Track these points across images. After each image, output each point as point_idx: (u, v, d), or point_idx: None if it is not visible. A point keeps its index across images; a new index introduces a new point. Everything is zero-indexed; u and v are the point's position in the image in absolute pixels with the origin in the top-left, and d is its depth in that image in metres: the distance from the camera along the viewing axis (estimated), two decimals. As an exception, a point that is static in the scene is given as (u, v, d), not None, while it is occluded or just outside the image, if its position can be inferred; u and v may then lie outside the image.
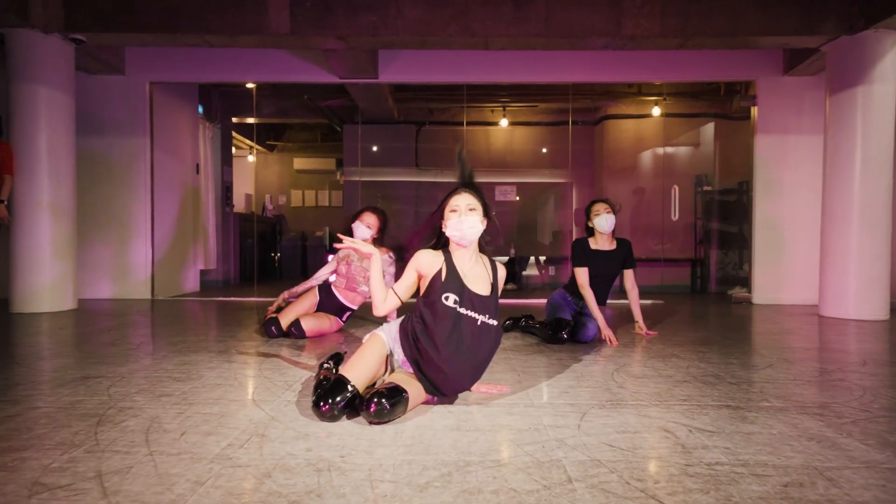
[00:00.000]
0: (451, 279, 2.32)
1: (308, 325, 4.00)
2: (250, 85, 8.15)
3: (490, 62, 6.67)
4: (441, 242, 2.45)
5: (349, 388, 2.19)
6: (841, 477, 1.66)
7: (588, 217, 4.15)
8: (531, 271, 9.60)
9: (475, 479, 1.64)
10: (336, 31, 5.35)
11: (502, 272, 2.51)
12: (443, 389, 2.35)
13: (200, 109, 8.41)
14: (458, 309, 2.29)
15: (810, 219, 6.40)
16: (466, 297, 2.31)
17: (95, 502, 1.49)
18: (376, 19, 5.33)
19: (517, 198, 9.88)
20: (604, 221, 4.02)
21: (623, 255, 4.12)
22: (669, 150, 8.86)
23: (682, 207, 8.41)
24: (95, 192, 6.71)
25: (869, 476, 1.67)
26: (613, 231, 4.11)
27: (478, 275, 2.39)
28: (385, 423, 2.12)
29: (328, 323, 4.16)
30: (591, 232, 4.17)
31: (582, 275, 3.99)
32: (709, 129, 8.81)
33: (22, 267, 5.42)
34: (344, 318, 4.30)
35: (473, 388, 2.59)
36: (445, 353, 2.26)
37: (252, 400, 2.45)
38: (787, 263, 6.55)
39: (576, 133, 8.80)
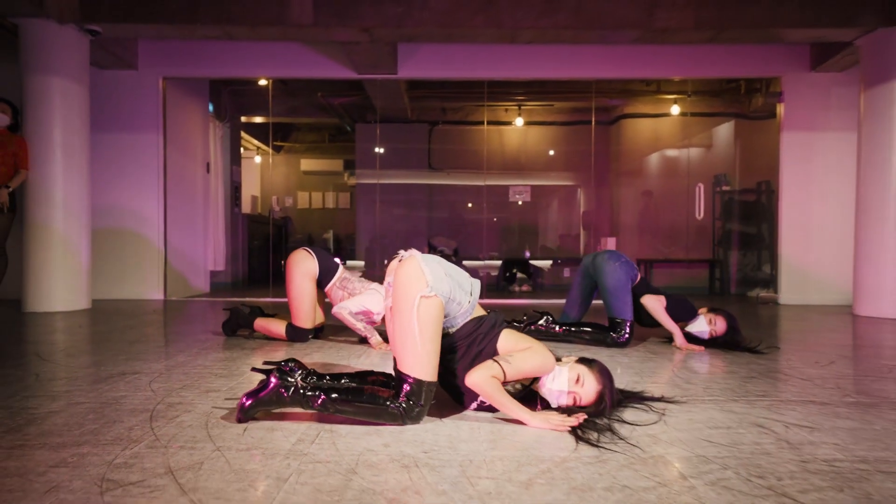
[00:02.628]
0: None
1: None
2: (263, 82, 8.02)
3: (511, 57, 6.55)
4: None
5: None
6: (975, 473, 1.53)
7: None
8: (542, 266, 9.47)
9: (580, 476, 1.51)
10: (360, 22, 5.23)
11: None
12: None
13: (211, 108, 8.27)
14: None
15: (838, 217, 6.29)
16: None
17: (175, 499, 1.35)
18: (401, 10, 5.21)
19: (518, 202, 9.76)
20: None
21: None
22: (687, 149, 8.76)
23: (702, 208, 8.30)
24: (107, 189, 6.55)
25: None
26: None
27: None
28: None
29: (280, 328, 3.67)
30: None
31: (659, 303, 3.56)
32: (723, 129, 8.71)
33: (35, 265, 5.26)
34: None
35: None
36: None
37: (306, 395, 2.31)
38: (815, 263, 6.43)
39: (590, 132, 8.69)
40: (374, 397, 1.92)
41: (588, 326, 3.62)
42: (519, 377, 2.02)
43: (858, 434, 1.85)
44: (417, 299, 1.91)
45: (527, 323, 3.68)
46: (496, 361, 1.98)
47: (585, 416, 1.91)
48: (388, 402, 1.89)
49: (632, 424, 1.93)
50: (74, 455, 1.64)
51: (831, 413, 2.09)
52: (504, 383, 1.99)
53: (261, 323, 3.69)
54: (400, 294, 1.94)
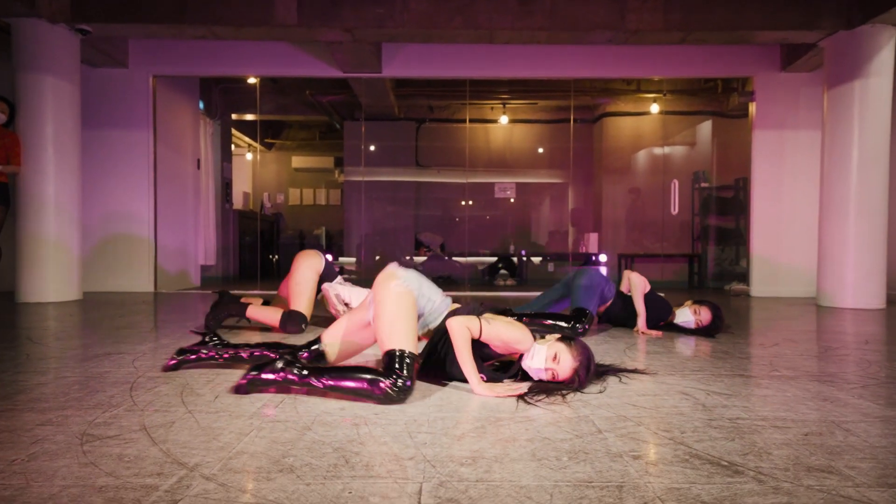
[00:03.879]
0: None
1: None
2: (252, 80, 8.19)
3: (493, 57, 6.75)
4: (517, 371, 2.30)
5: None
6: (857, 428, 1.73)
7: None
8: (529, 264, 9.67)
9: (508, 430, 1.70)
10: (343, 23, 5.41)
11: None
12: None
13: (201, 105, 8.44)
14: None
15: (807, 212, 6.50)
16: None
17: (147, 449, 1.54)
18: (383, 12, 5.40)
19: (510, 197, 9.96)
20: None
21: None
22: (667, 147, 8.98)
23: (680, 204, 8.50)
24: (98, 185, 6.72)
25: (884, 427, 1.75)
26: None
27: None
28: None
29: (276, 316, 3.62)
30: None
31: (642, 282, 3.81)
32: (705, 126, 8.93)
33: (28, 257, 5.43)
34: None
35: None
36: None
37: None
38: (785, 256, 6.65)
39: (575, 130, 8.89)
40: (365, 369, 2.03)
41: (549, 316, 3.67)
42: (494, 341, 2.18)
43: (769, 399, 2.05)
44: (393, 288, 2.12)
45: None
46: (479, 318, 2.17)
47: (529, 387, 2.10)
48: (380, 377, 1.97)
49: (573, 392, 2.13)
50: (59, 416, 1.83)
51: (753, 384, 2.29)
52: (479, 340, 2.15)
53: (254, 311, 3.61)
54: (378, 289, 2.15)
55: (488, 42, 5.79)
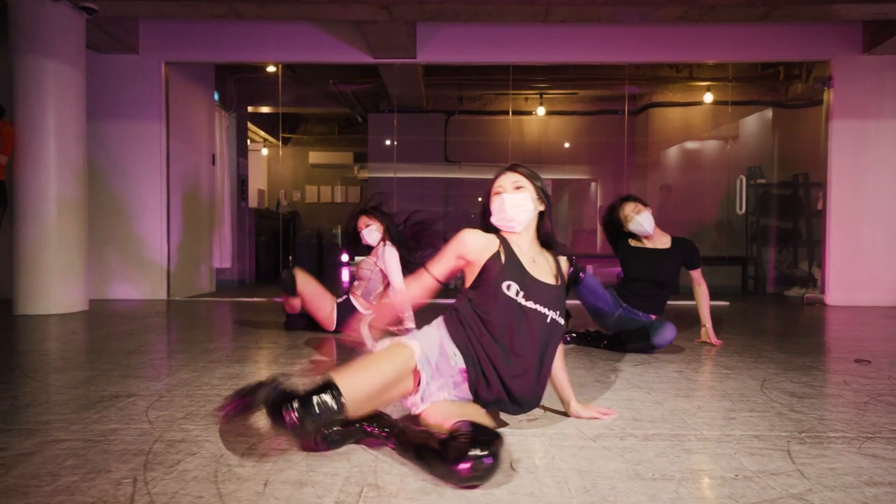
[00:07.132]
0: (511, 265, 1.84)
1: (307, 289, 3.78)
2: (272, 69, 7.58)
3: (539, 40, 6.09)
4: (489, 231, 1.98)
5: (336, 404, 1.52)
6: None
7: (618, 224, 3.52)
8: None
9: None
10: (380, -1, 4.79)
11: (566, 265, 2.00)
12: (499, 394, 1.81)
13: (216, 96, 7.83)
14: (521, 301, 1.80)
15: (892, 212, 5.83)
16: (531, 286, 1.82)
17: None
18: (425, -14, 4.77)
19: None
20: (642, 221, 3.40)
21: (681, 257, 3.49)
22: (717, 141, 8.29)
23: (733, 202, 7.83)
24: (105, 182, 6.13)
25: None
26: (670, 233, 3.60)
27: (541, 263, 1.91)
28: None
29: (328, 306, 3.81)
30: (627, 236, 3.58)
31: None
32: (750, 120, 8.23)
33: (27, 264, 4.84)
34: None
35: (574, 412, 2.01)
36: (508, 349, 1.79)
37: (337, 429, 1.88)
38: (866, 261, 5.96)
39: (616, 122, 8.23)
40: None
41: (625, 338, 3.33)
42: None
43: None
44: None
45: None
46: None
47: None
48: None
49: (761, 475, 1.50)
50: (39, 531, 1.22)
51: None
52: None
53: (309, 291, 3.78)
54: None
55: (542, 21, 5.16)
